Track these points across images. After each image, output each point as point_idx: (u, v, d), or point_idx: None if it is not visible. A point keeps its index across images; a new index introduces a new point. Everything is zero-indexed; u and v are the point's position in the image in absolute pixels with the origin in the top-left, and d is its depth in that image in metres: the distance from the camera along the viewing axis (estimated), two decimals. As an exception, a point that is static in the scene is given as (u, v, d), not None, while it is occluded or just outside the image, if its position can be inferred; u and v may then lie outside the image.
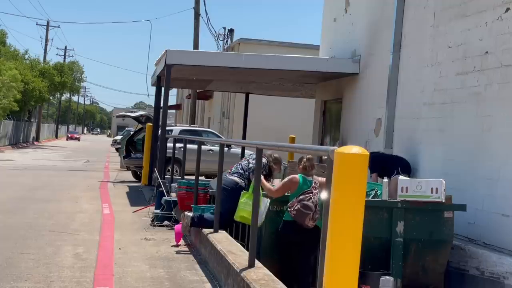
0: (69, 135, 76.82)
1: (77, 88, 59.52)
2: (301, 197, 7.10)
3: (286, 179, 7.47)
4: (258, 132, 23.74)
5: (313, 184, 7.24)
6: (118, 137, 43.56)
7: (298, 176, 7.31)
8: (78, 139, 73.83)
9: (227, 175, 8.56)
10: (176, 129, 22.02)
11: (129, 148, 20.69)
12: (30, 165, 24.84)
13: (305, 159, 7.40)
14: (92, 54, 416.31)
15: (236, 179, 8.44)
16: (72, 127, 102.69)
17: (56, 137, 77.67)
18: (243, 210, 7.36)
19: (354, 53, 13.42)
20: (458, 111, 8.82)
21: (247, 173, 8.53)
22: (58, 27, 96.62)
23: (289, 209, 7.11)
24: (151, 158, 16.61)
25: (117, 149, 35.40)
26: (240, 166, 8.67)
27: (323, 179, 7.12)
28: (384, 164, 9.62)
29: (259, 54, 15.06)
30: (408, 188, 7.29)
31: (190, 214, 8.72)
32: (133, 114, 22.55)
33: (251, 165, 8.46)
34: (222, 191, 8.19)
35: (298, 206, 7.07)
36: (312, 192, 7.17)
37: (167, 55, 13.71)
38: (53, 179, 19.01)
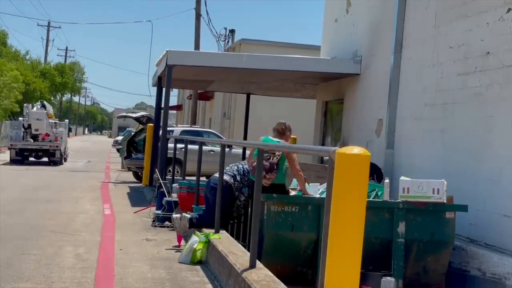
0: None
1: (78, 89, 59.69)
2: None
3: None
4: (259, 133, 23.62)
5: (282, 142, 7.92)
6: (119, 138, 43.59)
7: (262, 138, 8.16)
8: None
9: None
10: (177, 129, 22.02)
11: (130, 148, 20.70)
12: (31, 166, 24.83)
13: (277, 123, 8.54)
14: (93, 55, 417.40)
15: (226, 178, 8.41)
16: (74, 128, 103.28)
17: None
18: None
19: (355, 53, 13.42)
20: (460, 112, 8.82)
21: (246, 177, 8.49)
22: (59, 27, 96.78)
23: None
24: (152, 159, 16.62)
25: (118, 150, 35.41)
26: (240, 170, 8.59)
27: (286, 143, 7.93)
28: None
29: (260, 55, 15.06)
30: (410, 188, 7.30)
31: (188, 215, 8.75)
32: (134, 115, 22.56)
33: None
34: (211, 189, 8.41)
35: (255, 163, 7.42)
36: (273, 154, 7.78)
37: (168, 56, 13.71)
38: (54, 180, 19.01)
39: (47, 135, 26.47)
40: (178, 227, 8.76)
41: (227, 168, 8.59)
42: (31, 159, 26.48)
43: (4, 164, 25.49)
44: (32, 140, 26.27)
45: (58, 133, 27.27)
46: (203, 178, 10.69)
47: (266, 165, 7.72)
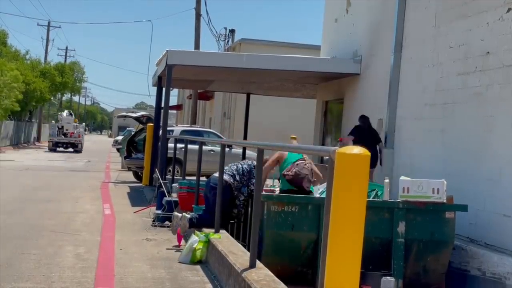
0: None
1: (78, 89, 59.55)
2: (297, 163, 7.90)
3: (275, 154, 8.29)
4: (259, 133, 23.72)
5: (304, 156, 8.08)
6: (119, 138, 43.63)
7: (286, 153, 8.22)
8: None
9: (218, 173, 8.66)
10: (177, 129, 22.02)
11: (130, 148, 20.69)
12: (31, 165, 24.85)
13: (297, 139, 8.78)
14: (93, 55, 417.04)
15: (226, 177, 8.45)
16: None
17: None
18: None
19: (355, 53, 13.42)
20: (460, 112, 8.82)
21: (245, 177, 8.53)
22: (59, 27, 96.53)
23: (284, 174, 7.90)
24: (152, 159, 16.61)
25: (118, 150, 35.43)
26: (240, 170, 8.62)
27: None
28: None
29: (260, 55, 15.06)
30: (410, 188, 7.30)
31: (188, 215, 8.78)
32: (134, 115, 22.56)
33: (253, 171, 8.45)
34: (211, 189, 8.47)
35: (295, 169, 7.82)
36: (305, 160, 8.06)
37: (168, 56, 13.71)
38: (54, 180, 19.01)
39: (73, 133, 41.01)
40: (175, 226, 8.79)
41: (226, 167, 8.61)
42: (60, 148, 40.65)
43: (45, 152, 39.35)
44: (63, 136, 40.96)
45: (80, 132, 41.78)
46: (203, 178, 10.68)
47: (309, 176, 8.02)
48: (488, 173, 7.96)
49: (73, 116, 43.89)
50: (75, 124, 42.37)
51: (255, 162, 8.48)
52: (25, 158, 30.14)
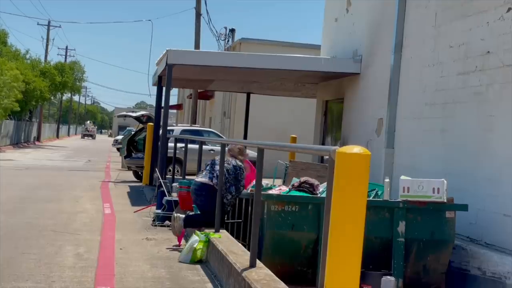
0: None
1: (78, 88, 59.52)
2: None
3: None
4: (259, 132, 23.73)
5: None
6: (119, 137, 43.60)
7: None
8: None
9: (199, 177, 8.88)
10: (177, 129, 22.04)
11: (130, 148, 20.69)
12: (31, 165, 24.86)
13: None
14: (93, 54, 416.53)
15: (205, 180, 8.65)
16: (74, 127, 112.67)
17: (57, 137, 77.86)
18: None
19: (356, 53, 13.42)
20: (460, 111, 8.81)
21: (231, 177, 8.54)
22: (59, 27, 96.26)
23: (293, 185, 8.32)
24: (152, 158, 16.62)
25: (118, 149, 35.43)
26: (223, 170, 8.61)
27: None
28: None
29: (260, 54, 15.05)
30: (410, 188, 7.30)
31: (182, 215, 8.82)
32: (134, 114, 22.55)
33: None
34: (193, 192, 8.80)
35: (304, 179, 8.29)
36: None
37: (168, 55, 13.71)
38: (54, 179, 19.01)
39: (92, 130, 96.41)
40: (176, 227, 8.81)
41: (208, 168, 8.74)
42: (86, 138, 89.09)
43: (77, 140, 76.71)
44: (87, 131, 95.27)
45: (94, 130, 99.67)
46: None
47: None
48: (488, 173, 7.96)
49: (92, 123, 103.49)
50: (92, 126, 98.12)
51: (238, 162, 8.59)
52: (25, 158, 30.15)
